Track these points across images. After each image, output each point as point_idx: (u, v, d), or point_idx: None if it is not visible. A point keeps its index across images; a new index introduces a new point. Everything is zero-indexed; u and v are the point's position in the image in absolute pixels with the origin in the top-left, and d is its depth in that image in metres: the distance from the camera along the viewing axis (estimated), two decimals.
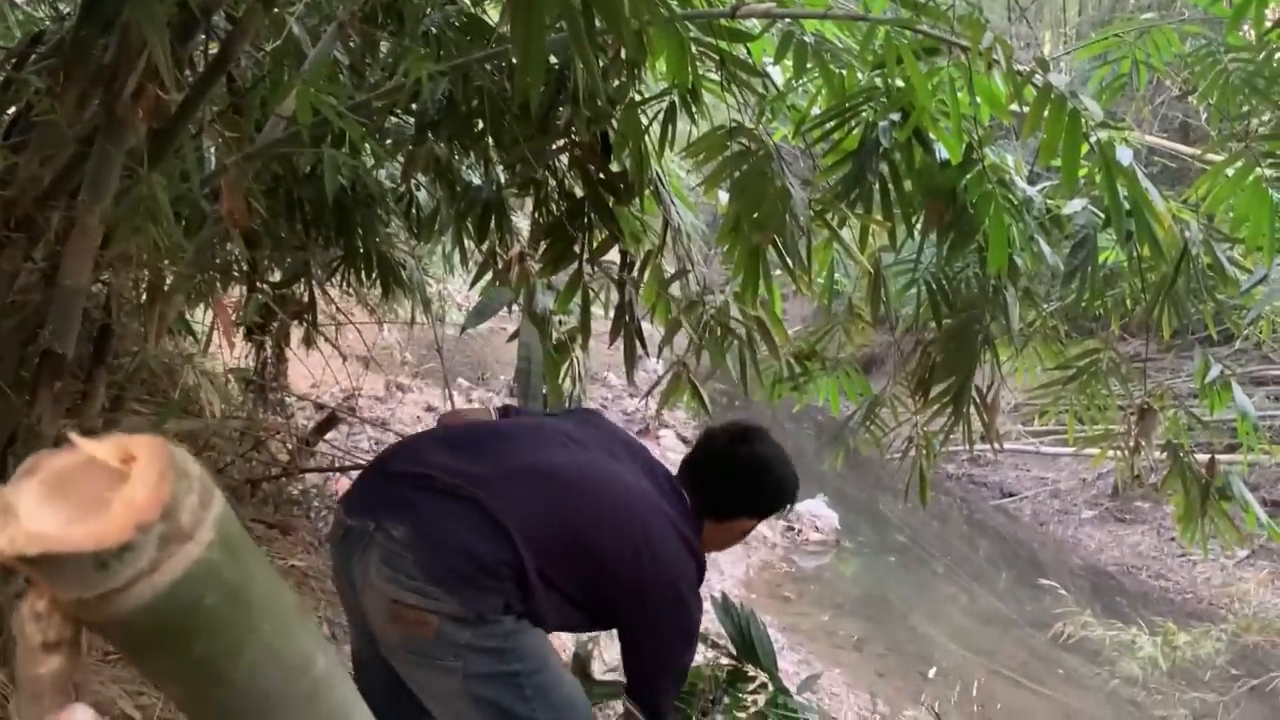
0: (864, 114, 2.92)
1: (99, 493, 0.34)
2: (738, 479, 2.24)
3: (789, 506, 2.46)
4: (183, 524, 0.35)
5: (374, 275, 4.20)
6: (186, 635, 0.37)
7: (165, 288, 2.01)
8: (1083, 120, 2.47)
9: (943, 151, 2.97)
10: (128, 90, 1.68)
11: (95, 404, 2.07)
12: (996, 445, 3.84)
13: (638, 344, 3.52)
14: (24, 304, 1.95)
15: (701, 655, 3.87)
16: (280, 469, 3.89)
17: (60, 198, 1.82)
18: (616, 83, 3.04)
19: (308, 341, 4.41)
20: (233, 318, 3.25)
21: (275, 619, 0.40)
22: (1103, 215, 3.03)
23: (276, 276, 4.03)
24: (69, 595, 0.35)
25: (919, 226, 3.12)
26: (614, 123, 3.13)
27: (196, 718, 0.43)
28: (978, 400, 3.52)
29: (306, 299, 4.08)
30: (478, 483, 1.88)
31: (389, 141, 3.52)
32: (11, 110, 2.19)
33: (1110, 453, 3.97)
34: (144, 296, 2.15)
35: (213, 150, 2.66)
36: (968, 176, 2.91)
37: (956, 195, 3.00)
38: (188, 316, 3.58)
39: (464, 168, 3.96)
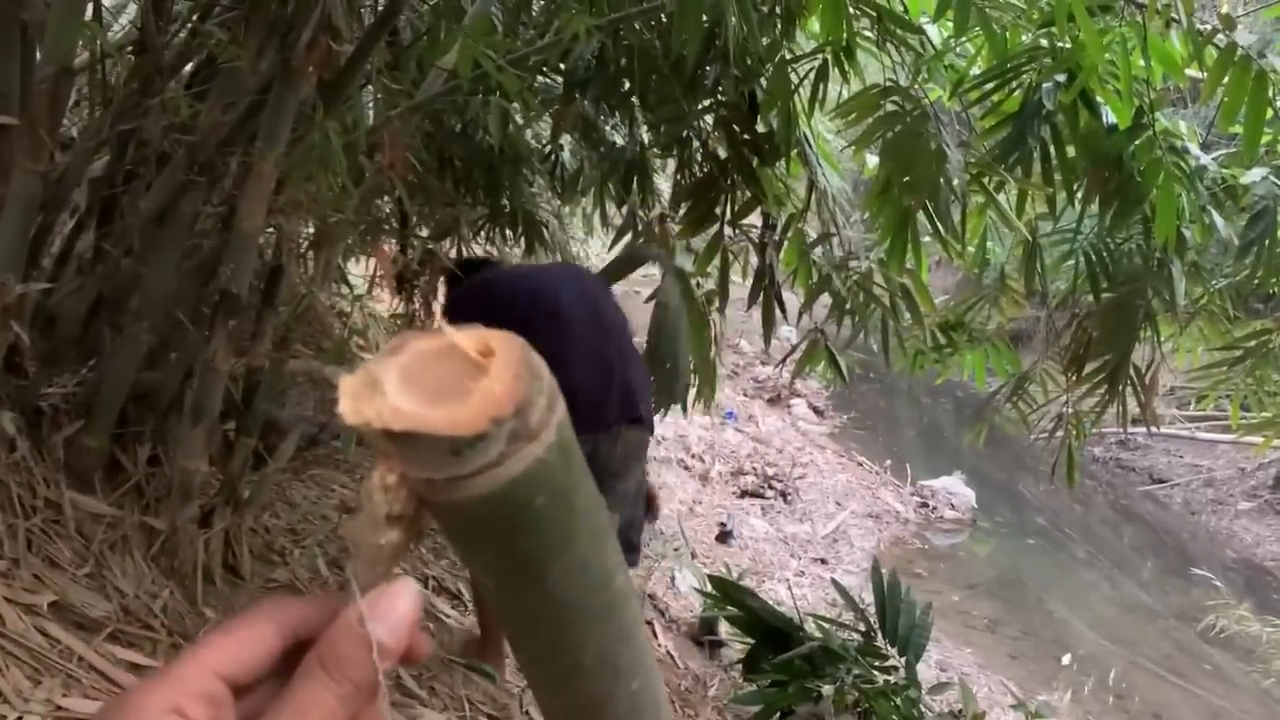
0: (1026, 75, 2.80)
1: (454, 381, 0.36)
2: None
3: None
4: (531, 423, 0.36)
5: (519, 233, 4.28)
6: (514, 531, 0.38)
7: (331, 235, 2.09)
8: (1269, 83, 2.31)
9: (1110, 115, 2.83)
10: (303, 41, 1.75)
11: (264, 343, 2.18)
12: (1153, 427, 3.67)
13: (777, 309, 3.49)
14: (201, 245, 2.06)
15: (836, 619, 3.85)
16: None
17: (238, 144, 1.91)
18: (768, 40, 2.99)
19: None
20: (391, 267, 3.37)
21: (591, 531, 0.42)
22: None
23: (425, 232, 4.15)
24: (418, 474, 0.37)
25: (1080, 194, 2.98)
26: (763, 82, 3.09)
27: (502, 611, 0.45)
28: (1135, 379, 3.35)
29: (455, 255, 4.19)
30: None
31: (538, 100, 3.57)
32: (192, 63, 2.31)
33: (1276, 441, 3.74)
34: (310, 242, 2.25)
35: (370, 105, 2.74)
36: (1136, 142, 2.77)
37: (1123, 162, 2.85)
38: (343, 267, 3.72)
39: (609, 128, 3.98)
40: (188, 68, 2.23)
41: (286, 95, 1.82)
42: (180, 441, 2.09)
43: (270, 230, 2.12)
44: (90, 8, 1.92)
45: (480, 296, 3.14)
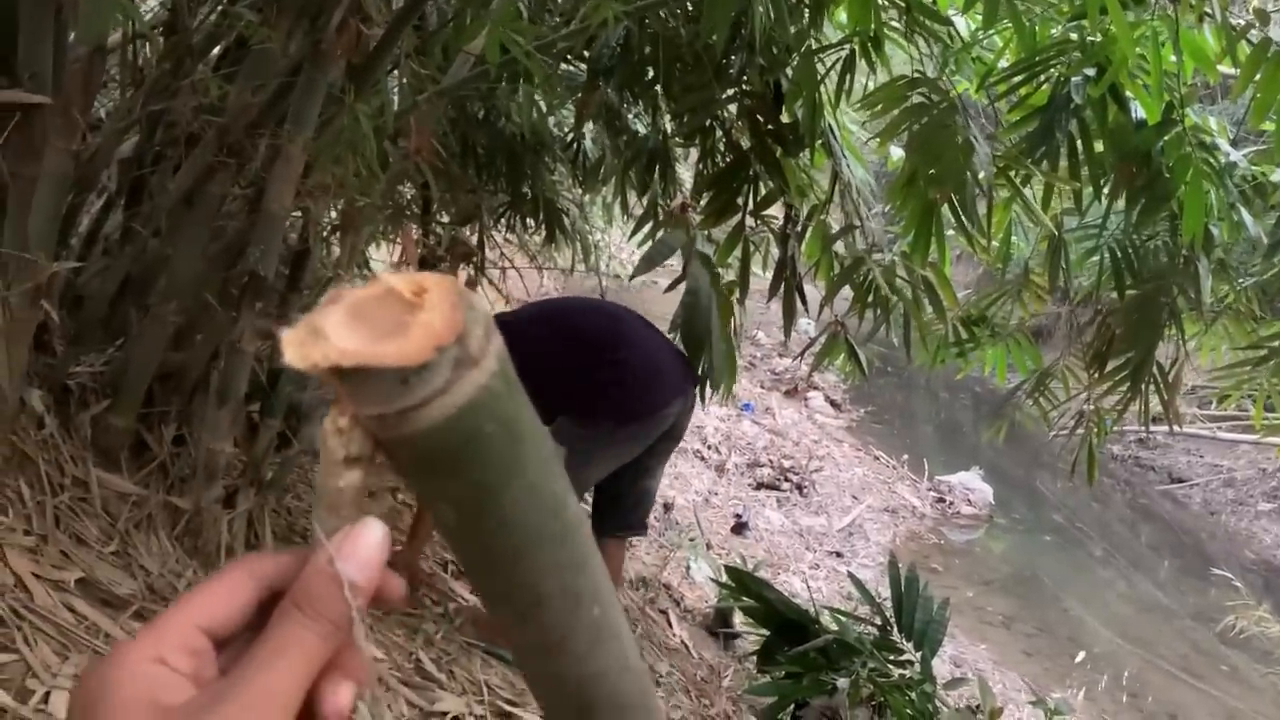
0: (1055, 69, 2.78)
1: (393, 321, 0.37)
2: None
3: None
4: (472, 350, 0.37)
5: (540, 221, 4.28)
6: (466, 460, 0.39)
7: (358, 219, 2.10)
8: None
9: (1139, 111, 2.81)
10: (333, 24, 1.75)
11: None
12: (1176, 426, 3.64)
13: (798, 301, 3.48)
14: (228, 227, 2.07)
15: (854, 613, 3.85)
16: None
17: (267, 126, 1.92)
18: (795, 30, 2.98)
19: (471, 284, 4.53)
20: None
21: (538, 457, 0.43)
22: None
23: (446, 218, 4.16)
24: (371, 411, 0.38)
25: (1107, 189, 2.96)
26: (789, 72, 3.08)
27: (464, 549, 0.45)
28: (1158, 377, 3.33)
29: (476, 241, 4.19)
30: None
31: (562, 87, 3.56)
32: (219, 46, 2.31)
33: None
34: (336, 226, 2.26)
35: (395, 90, 2.75)
36: (1165, 138, 2.74)
37: (1151, 158, 2.83)
38: (365, 252, 3.73)
39: (632, 116, 3.98)
40: (217, 49, 2.24)
41: (316, 78, 1.83)
42: (206, 422, 2.11)
43: (297, 213, 2.13)
44: None
45: (506, 324, 3.24)
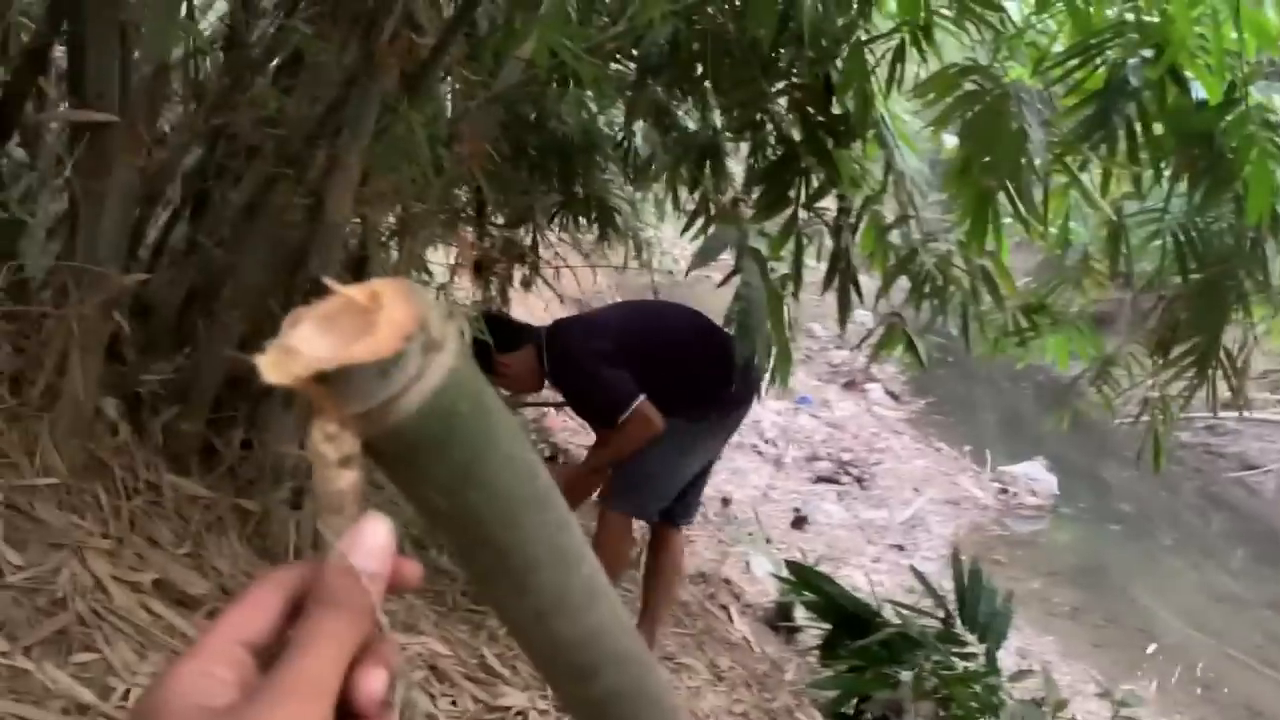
0: (1111, 51, 2.73)
1: (358, 325, 0.40)
2: None
3: None
4: (435, 335, 0.40)
5: (592, 219, 4.31)
6: (447, 441, 0.43)
7: (415, 224, 2.15)
8: None
9: (1200, 91, 2.74)
10: (385, 35, 1.79)
11: None
12: (1245, 411, 3.56)
13: (853, 293, 3.46)
14: (289, 236, 2.12)
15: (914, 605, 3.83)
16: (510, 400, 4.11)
17: (324, 137, 1.96)
18: (843, 21, 2.97)
19: (526, 284, 4.57)
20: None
21: (508, 428, 0.46)
22: None
23: (500, 220, 4.20)
24: (356, 409, 0.40)
25: (1168, 172, 2.90)
26: (838, 63, 3.06)
27: (454, 527, 0.48)
28: (1225, 362, 3.26)
29: (530, 242, 4.23)
30: None
31: (610, 88, 3.58)
32: (276, 59, 2.37)
33: None
34: (394, 231, 2.30)
35: (448, 97, 2.79)
36: (1228, 118, 2.68)
37: (1213, 139, 2.77)
38: (422, 256, 3.78)
39: (681, 113, 3.99)
40: (274, 63, 2.29)
41: (370, 88, 1.87)
42: (272, 426, 2.17)
43: (356, 220, 2.18)
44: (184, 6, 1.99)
45: (605, 325, 3.48)
